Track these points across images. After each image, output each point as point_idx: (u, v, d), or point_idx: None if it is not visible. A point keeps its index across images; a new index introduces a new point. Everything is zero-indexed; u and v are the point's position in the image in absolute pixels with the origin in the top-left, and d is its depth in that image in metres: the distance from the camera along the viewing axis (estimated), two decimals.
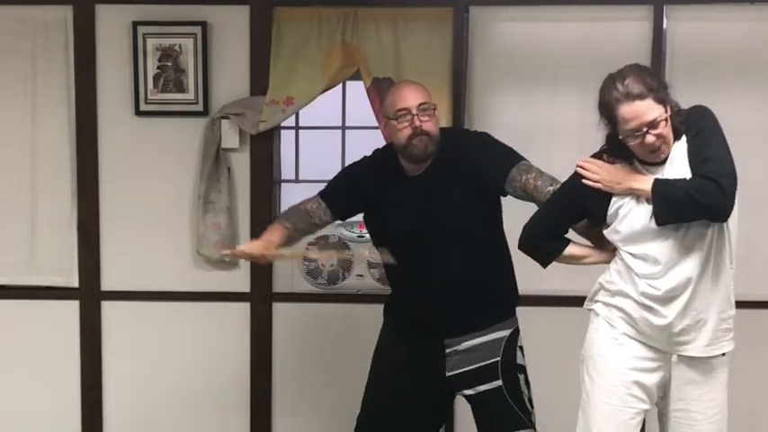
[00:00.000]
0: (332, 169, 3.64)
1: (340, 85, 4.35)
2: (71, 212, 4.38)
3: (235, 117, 4.26)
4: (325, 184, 3.52)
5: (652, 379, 2.94)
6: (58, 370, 4.46)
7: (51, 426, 4.48)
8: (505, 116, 4.28)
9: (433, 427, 3.55)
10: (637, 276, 2.87)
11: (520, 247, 3.12)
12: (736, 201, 2.76)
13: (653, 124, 2.75)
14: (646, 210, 2.83)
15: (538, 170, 3.19)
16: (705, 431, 2.94)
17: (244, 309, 4.40)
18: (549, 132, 4.25)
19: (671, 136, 2.81)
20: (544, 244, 3.09)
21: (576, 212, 3.03)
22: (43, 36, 4.31)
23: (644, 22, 4.19)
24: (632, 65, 2.85)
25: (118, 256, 4.41)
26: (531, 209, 3.16)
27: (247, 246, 3.43)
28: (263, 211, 4.29)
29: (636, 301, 2.89)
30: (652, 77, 2.80)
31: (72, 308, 4.43)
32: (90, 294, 4.42)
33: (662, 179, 2.81)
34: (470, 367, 3.32)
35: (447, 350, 3.33)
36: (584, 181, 2.91)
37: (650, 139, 2.77)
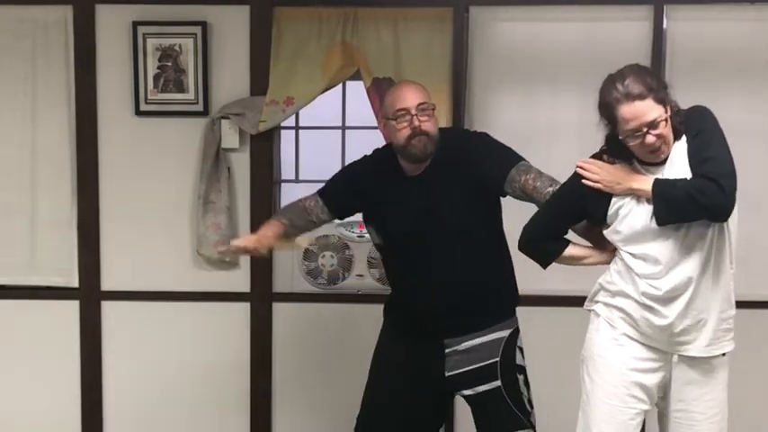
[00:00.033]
0: (332, 169, 3.63)
1: (340, 85, 4.35)
2: (71, 212, 4.38)
3: (235, 117, 4.25)
4: (325, 183, 3.53)
5: (652, 379, 2.94)
6: (58, 370, 4.45)
7: (51, 426, 4.47)
8: (505, 116, 4.28)
9: (433, 427, 3.55)
10: (637, 276, 2.87)
11: (520, 248, 3.12)
12: (737, 201, 2.76)
13: (653, 124, 2.75)
14: (646, 210, 2.83)
15: (537, 171, 3.19)
16: (705, 431, 2.94)
17: (244, 309, 4.40)
18: (549, 132, 4.25)
19: (671, 136, 2.81)
20: (544, 245, 3.08)
21: (575, 213, 3.03)
22: (43, 36, 4.31)
23: (644, 22, 4.19)
24: (632, 65, 2.85)
25: (118, 255, 4.41)
26: (530, 209, 3.16)
27: (241, 240, 3.45)
28: (263, 212, 4.28)
29: (637, 301, 2.88)
30: (652, 77, 2.80)
31: (72, 308, 4.42)
32: (90, 294, 4.41)
33: (662, 179, 2.81)
34: (470, 367, 3.32)
35: (447, 350, 3.33)
36: (583, 181, 2.91)
37: (650, 139, 2.76)
